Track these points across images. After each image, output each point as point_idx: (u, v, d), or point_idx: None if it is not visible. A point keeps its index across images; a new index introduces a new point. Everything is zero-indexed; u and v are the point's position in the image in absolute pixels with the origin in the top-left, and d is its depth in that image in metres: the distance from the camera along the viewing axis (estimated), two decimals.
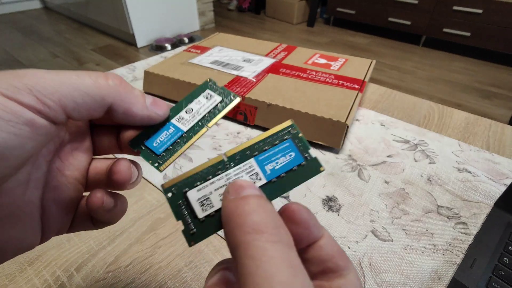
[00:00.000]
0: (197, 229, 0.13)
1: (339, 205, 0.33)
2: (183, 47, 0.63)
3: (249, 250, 0.10)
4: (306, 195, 0.34)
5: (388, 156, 0.39)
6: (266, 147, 0.14)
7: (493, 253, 0.27)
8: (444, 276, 0.26)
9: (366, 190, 0.35)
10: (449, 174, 0.37)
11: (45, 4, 3.15)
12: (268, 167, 0.13)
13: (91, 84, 0.13)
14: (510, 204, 0.31)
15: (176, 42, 2.24)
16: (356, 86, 0.46)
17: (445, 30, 2.11)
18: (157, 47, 2.18)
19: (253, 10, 3.11)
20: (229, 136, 0.43)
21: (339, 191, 0.34)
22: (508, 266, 0.26)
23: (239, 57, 0.55)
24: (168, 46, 2.18)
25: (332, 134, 0.39)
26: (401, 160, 0.39)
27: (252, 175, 0.13)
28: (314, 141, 0.41)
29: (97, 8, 2.34)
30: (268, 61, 0.54)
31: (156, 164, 0.16)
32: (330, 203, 0.33)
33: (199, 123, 0.17)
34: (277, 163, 0.13)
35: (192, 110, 0.17)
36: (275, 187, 0.13)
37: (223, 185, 0.13)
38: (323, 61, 0.54)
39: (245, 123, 0.45)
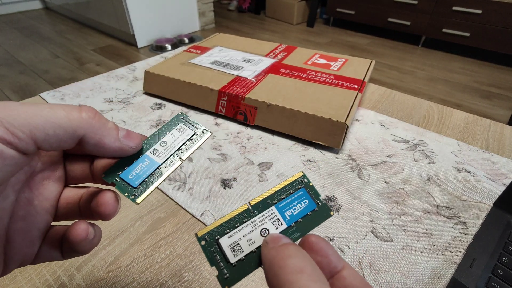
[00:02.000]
0: (230, 274, 0.14)
1: (339, 205, 0.33)
2: (183, 48, 0.63)
3: None
4: None
5: (387, 156, 0.40)
6: (283, 196, 0.16)
7: (492, 253, 0.27)
8: (443, 275, 0.26)
9: (365, 190, 0.35)
10: (448, 174, 0.37)
11: (46, 5, 3.15)
12: (287, 213, 0.15)
13: (63, 117, 0.13)
14: (509, 204, 0.31)
15: (177, 43, 2.24)
16: (356, 86, 0.46)
17: (444, 30, 2.11)
18: (158, 47, 2.19)
19: (253, 10, 3.11)
20: (229, 136, 0.43)
21: (339, 191, 0.35)
22: (508, 266, 0.26)
23: (239, 57, 0.55)
24: (168, 47, 2.18)
25: (332, 134, 0.39)
26: (401, 160, 0.39)
27: (274, 221, 0.15)
28: (314, 141, 0.41)
29: (97, 9, 2.34)
30: (268, 61, 0.54)
31: (132, 197, 0.16)
32: (330, 203, 0.33)
33: (174, 156, 0.17)
34: (294, 209, 0.15)
35: (166, 143, 0.18)
36: (294, 231, 0.15)
37: (251, 231, 0.15)
38: (323, 61, 0.54)
39: (245, 123, 0.46)
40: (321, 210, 0.16)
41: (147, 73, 0.51)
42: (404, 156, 0.40)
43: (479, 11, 1.93)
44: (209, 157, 0.39)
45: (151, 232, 0.30)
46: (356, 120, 0.47)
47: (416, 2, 2.16)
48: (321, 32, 2.63)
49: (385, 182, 0.36)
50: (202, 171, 0.37)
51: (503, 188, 0.35)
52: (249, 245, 0.14)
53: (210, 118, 0.47)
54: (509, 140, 0.43)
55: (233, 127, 0.45)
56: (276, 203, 0.15)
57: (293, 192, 0.16)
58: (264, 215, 0.15)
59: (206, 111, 0.48)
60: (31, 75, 1.84)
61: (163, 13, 2.26)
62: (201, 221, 0.31)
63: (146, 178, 0.16)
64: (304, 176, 0.16)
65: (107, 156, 0.16)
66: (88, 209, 0.16)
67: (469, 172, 0.37)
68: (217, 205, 0.33)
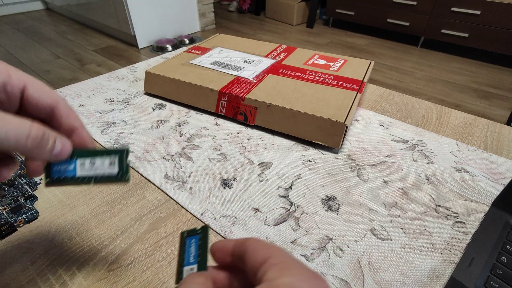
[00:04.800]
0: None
1: (338, 205, 0.33)
2: (184, 48, 0.63)
3: None
4: (305, 194, 0.34)
5: (386, 156, 0.40)
6: (183, 256, 0.19)
7: (491, 252, 0.27)
8: (442, 275, 0.27)
9: (365, 189, 0.35)
10: (447, 174, 0.37)
11: (47, 5, 3.15)
12: (191, 259, 0.18)
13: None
14: (507, 203, 0.31)
15: (177, 43, 2.25)
16: (355, 87, 0.46)
17: (443, 31, 2.11)
18: (158, 48, 2.19)
19: (253, 11, 3.11)
20: (229, 136, 0.43)
21: (338, 190, 0.35)
22: (506, 265, 0.26)
23: (239, 58, 0.55)
24: (169, 47, 2.18)
25: (332, 134, 0.39)
26: (400, 160, 0.39)
27: (191, 268, 0.18)
28: (313, 141, 0.41)
29: (98, 9, 2.34)
30: (268, 62, 0.54)
31: (47, 180, 0.20)
32: (329, 202, 0.33)
33: (90, 178, 0.20)
34: (191, 255, 0.18)
35: (94, 164, 0.20)
36: (198, 264, 0.18)
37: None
38: (322, 62, 0.55)
39: (245, 123, 0.46)
40: (203, 235, 0.19)
41: (147, 73, 0.51)
42: (403, 156, 0.40)
43: (478, 12, 1.94)
44: (209, 157, 0.39)
45: (152, 231, 0.30)
46: (356, 120, 0.47)
47: (415, 3, 2.16)
48: (321, 33, 2.63)
49: (384, 182, 0.36)
50: (202, 171, 0.37)
51: (501, 188, 0.35)
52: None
53: (210, 118, 0.47)
54: (507, 140, 0.43)
55: (233, 127, 0.45)
56: (185, 263, 0.18)
57: (186, 248, 0.19)
58: (185, 270, 0.18)
59: (206, 111, 0.48)
60: (32, 76, 1.84)
61: (163, 14, 2.26)
62: (201, 221, 0.31)
63: (62, 177, 0.20)
64: (183, 233, 0.19)
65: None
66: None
67: (467, 172, 0.37)
68: (217, 205, 0.33)
